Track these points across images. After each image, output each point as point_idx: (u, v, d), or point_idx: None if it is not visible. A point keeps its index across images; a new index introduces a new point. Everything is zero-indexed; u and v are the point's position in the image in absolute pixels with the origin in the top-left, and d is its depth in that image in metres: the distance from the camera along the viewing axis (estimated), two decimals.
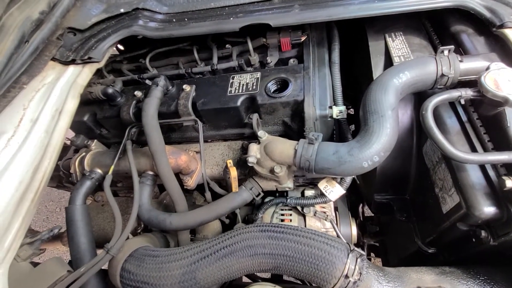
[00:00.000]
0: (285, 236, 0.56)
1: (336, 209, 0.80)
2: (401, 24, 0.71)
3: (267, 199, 0.76)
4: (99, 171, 0.74)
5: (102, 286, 0.62)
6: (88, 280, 0.58)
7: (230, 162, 0.67)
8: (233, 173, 0.64)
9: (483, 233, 0.47)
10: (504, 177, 0.43)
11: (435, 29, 0.69)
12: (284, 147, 0.59)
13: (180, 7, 0.77)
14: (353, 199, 1.14)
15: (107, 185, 0.68)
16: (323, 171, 0.55)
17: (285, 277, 0.99)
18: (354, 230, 0.77)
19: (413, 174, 0.68)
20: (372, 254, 1.41)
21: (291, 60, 0.76)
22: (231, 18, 0.71)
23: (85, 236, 0.66)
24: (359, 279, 0.52)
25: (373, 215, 1.16)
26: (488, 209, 0.45)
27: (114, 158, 0.72)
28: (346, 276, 0.51)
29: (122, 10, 0.77)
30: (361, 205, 1.20)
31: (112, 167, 0.71)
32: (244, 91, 0.73)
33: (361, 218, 1.24)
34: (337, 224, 0.76)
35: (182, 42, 0.88)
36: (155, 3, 0.79)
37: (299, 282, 0.93)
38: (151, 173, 0.74)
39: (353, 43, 0.83)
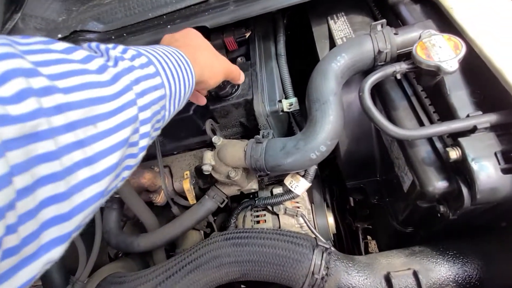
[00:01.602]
0: (249, 241, 0.54)
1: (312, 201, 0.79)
2: (343, 4, 0.69)
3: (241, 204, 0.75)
4: None
5: None
6: None
7: (187, 174, 0.66)
8: (185, 185, 0.62)
9: (442, 208, 0.46)
10: (448, 149, 0.41)
11: (377, 4, 0.66)
12: (234, 150, 0.57)
13: (119, 23, 0.75)
14: (342, 186, 1.12)
15: None
16: (274, 169, 0.53)
17: None
18: (331, 220, 0.75)
19: (377, 155, 0.67)
20: (369, 237, 1.41)
21: (239, 59, 0.74)
22: (169, 26, 0.69)
23: (57, 272, 0.65)
24: (326, 274, 0.50)
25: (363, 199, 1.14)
26: (439, 184, 0.43)
27: None
28: (313, 273, 0.50)
29: (60, 36, 0.75)
30: None
31: None
32: None
33: (352, 204, 1.23)
34: (313, 216, 0.74)
35: None
36: (93, 23, 0.76)
37: None
38: (116, 196, 0.72)
39: (302, 33, 0.81)
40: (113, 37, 0.73)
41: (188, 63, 0.42)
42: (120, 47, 0.34)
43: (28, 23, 0.81)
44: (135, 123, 0.30)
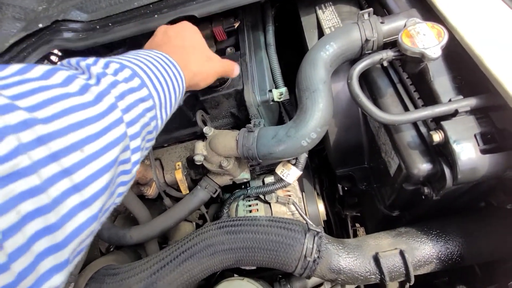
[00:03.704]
0: (242, 229, 0.55)
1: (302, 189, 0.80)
2: None
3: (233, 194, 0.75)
4: None
5: None
6: None
7: (178, 165, 0.66)
8: (178, 175, 0.62)
9: (426, 190, 0.48)
10: (432, 132, 0.43)
11: None
12: (226, 139, 0.58)
13: (103, 12, 0.72)
14: (332, 176, 1.15)
15: None
16: (266, 157, 0.54)
17: None
18: (321, 207, 0.77)
19: (365, 142, 0.69)
20: (357, 225, 1.45)
21: (228, 49, 0.74)
22: (156, 16, 0.67)
23: None
24: (318, 257, 0.52)
25: (351, 188, 1.18)
26: (423, 166, 0.45)
27: None
28: (305, 257, 0.51)
29: (40, 25, 0.72)
30: None
31: None
32: None
33: (341, 193, 1.26)
34: (304, 204, 0.76)
35: (117, 48, 0.84)
36: (76, 12, 0.74)
37: None
38: None
39: (291, 24, 0.81)
40: (98, 27, 0.71)
41: (177, 69, 0.41)
42: (102, 62, 0.32)
43: (6, 13, 0.77)
44: (125, 141, 0.29)
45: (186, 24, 0.52)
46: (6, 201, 0.19)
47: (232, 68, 0.59)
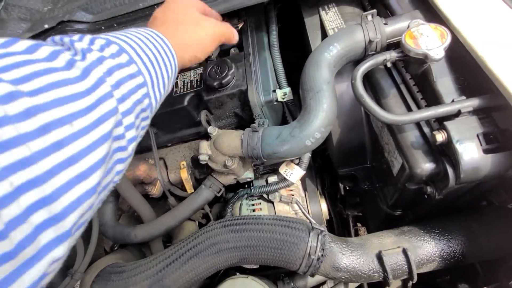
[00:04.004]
0: (247, 227, 0.56)
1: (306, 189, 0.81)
2: None
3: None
4: None
5: None
6: None
7: (183, 164, 0.66)
8: (183, 175, 0.63)
9: (429, 189, 0.48)
10: (435, 132, 0.43)
11: None
12: (231, 139, 0.58)
13: (108, 13, 0.73)
14: (333, 176, 1.15)
15: None
16: (270, 156, 0.55)
17: None
18: (324, 207, 0.78)
19: (368, 142, 0.69)
20: (359, 224, 1.46)
21: (232, 50, 0.74)
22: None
23: None
24: (322, 255, 0.53)
25: (353, 187, 1.18)
26: (426, 166, 0.46)
27: None
28: (309, 255, 0.52)
29: (46, 26, 0.72)
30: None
31: None
32: (189, 89, 0.71)
33: (342, 192, 1.27)
34: (307, 203, 0.77)
35: None
36: (81, 13, 0.75)
37: None
38: (112, 188, 0.72)
39: (293, 25, 0.82)
40: (103, 28, 0.72)
41: (167, 45, 0.40)
42: (87, 38, 0.32)
43: (12, 13, 0.78)
44: (116, 115, 0.29)
45: None
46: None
47: (231, 31, 0.55)
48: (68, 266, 0.60)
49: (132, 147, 0.33)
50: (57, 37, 0.31)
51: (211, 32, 0.49)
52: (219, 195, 0.68)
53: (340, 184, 1.26)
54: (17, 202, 0.20)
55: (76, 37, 0.32)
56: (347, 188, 1.27)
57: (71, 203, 0.24)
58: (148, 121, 0.38)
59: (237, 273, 0.76)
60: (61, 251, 0.23)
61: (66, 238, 0.23)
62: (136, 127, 0.33)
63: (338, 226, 1.15)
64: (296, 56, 0.82)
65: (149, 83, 0.35)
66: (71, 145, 0.24)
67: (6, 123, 0.20)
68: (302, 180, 0.79)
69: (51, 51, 0.27)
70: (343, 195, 1.25)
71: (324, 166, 1.06)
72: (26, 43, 0.26)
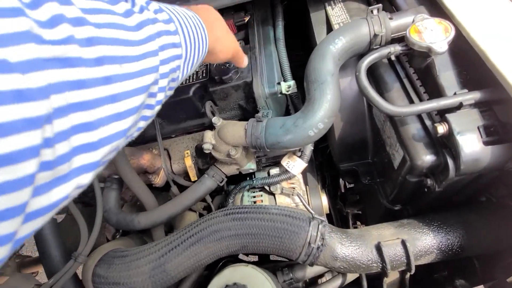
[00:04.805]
0: (248, 216, 0.57)
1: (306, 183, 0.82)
2: None
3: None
4: None
5: None
6: None
7: (187, 153, 0.67)
8: (187, 162, 0.64)
9: (429, 181, 0.49)
10: (436, 124, 0.44)
11: None
12: (235, 129, 0.59)
13: None
14: (334, 173, 1.16)
15: None
16: (273, 146, 0.56)
17: (272, 258, 1.02)
18: (325, 200, 0.79)
19: (370, 137, 0.70)
20: (358, 223, 1.46)
21: (238, 42, 0.75)
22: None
23: (56, 249, 0.66)
24: (322, 244, 0.53)
25: (353, 185, 1.19)
26: (427, 158, 0.47)
27: None
28: (309, 244, 0.53)
29: None
30: (341, 178, 1.23)
31: None
32: (194, 80, 0.72)
33: (342, 190, 1.28)
34: (308, 197, 0.78)
35: None
36: None
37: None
38: (115, 176, 0.73)
39: (298, 21, 0.83)
40: None
41: (204, 30, 0.43)
42: None
43: None
44: (156, 74, 0.31)
45: (207, 5, 0.54)
46: (58, 83, 0.21)
47: (243, 56, 0.60)
48: (71, 250, 0.61)
49: (157, 108, 0.35)
50: None
51: (235, 44, 0.55)
52: (221, 184, 0.69)
53: (340, 182, 1.27)
54: (67, 118, 0.22)
55: None
56: (347, 186, 1.28)
57: (107, 136, 0.25)
58: (171, 92, 0.39)
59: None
60: (86, 179, 0.24)
61: (93, 168, 0.25)
62: (165, 92, 0.35)
63: (338, 224, 1.16)
64: (299, 54, 0.83)
65: (183, 58, 0.37)
66: (117, 84, 0.26)
67: (71, 42, 0.22)
68: (303, 174, 0.80)
69: None
70: (343, 192, 1.26)
71: (324, 164, 1.07)
72: None
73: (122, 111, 0.27)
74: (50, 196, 0.21)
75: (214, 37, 0.46)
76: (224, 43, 0.51)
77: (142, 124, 0.33)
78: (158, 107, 0.35)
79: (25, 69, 0.18)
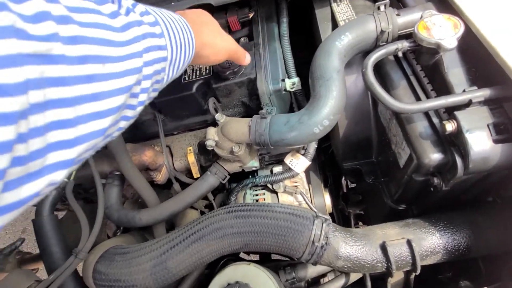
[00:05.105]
0: (251, 213, 0.56)
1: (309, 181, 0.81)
2: None
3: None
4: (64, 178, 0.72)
5: None
6: (63, 286, 0.57)
7: (190, 149, 0.67)
8: (190, 159, 0.63)
9: (436, 180, 0.48)
10: (444, 122, 0.43)
11: None
12: (239, 125, 0.59)
13: None
14: (336, 173, 1.16)
15: (69, 191, 0.66)
16: (278, 143, 0.55)
17: (273, 257, 1.01)
18: (328, 200, 0.78)
19: (374, 136, 0.69)
20: (360, 223, 1.45)
21: (242, 39, 0.74)
22: (172, 3, 0.69)
23: (57, 245, 0.65)
24: (326, 243, 0.53)
25: (355, 185, 1.18)
26: (435, 156, 0.46)
27: None
28: (313, 242, 0.52)
29: None
30: (343, 177, 1.23)
31: (74, 172, 0.70)
32: (198, 76, 0.71)
33: (345, 190, 1.27)
34: (310, 196, 0.77)
35: None
36: None
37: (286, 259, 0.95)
38: (117, 173, 0.73)
39: (306, 16, 0.82)
40: None
41: (191, 34, 0.43)
42: (130, 0, 0.34)
43: None
44: (139, 75, 0.31)
45: (200, 9, 0.55)
46: (39, 79, 0.21)
47: (243, 54, 0.60)
48: (72, 247, 0.61)
49: (139, 109, 0.35)
50: None
51: (227, 46, 0.54)
52: (224, 182, 0.68)
53: (342, 181, 1.26)
54: (44, 114, 0.22)
55: None
56: (350, 186, 1.27)
57: (84, 135, 0.25)
58: (155, 94, 0.40)
59: None
60: (60, 176, 0.24)
61: (68, 166, 0.25)
62: (148, 93, 0.35)
63: (339, 224, 1.15)
64: (302, 51, 0.82)
65: (168, 60, 0.38)
66: (98, 84, 0.26)
67: (55, 40, 0.22)
68: (306, 173, 0.79)
69: None
70: (346, 192, 1.25)
71: (327, 163, 1.06)
72: None
73: (102, 110, 0.27)
74: (20, 192, 0.21)
75: (200, 41, 0.46)
76: (213, 46, 0.51)
77: (123, 124, 0.33)
78: (140, 108, 0.35)
79: (3, 64, 0.18)
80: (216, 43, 0.51)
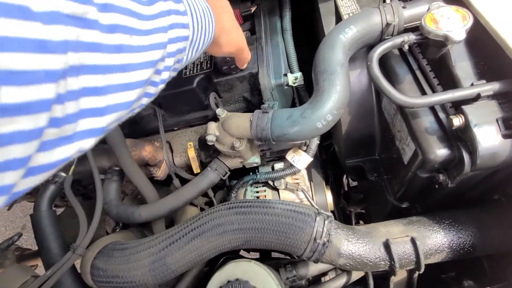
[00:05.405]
0: (252, 210, 0.55)
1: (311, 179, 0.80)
2: None
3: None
4: (62, 174, 0.71)
5: (77, 287, 0.61)
6: (60, 282, 0.56)
7: (190, 145, 0.66)
8: (190, 154, 0.62)
9: (441, 177, 0.47)
10: (451, 116, 0.42)
11: None
12: (240, 120, 0.57)
13: None
14: (337, 171, 1.14)
15: (67, 186, 0.65)
16: (280, 138, 0.54)
17: (273, 255, 1.00)
18: (329, 197, 0.77)
19: (378, 132, 0.68)
20: (361, 222, 1.44)
21: (244, 33, 0.73)
22: None
23: (55, 241, 0.64)
24: (328, 240, 0.52)
25: (357, 184, 1.17)
26: (441, 151, 0.45)
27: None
28: (315, 239, 0.51)
29: None
30: (345, 176, 1.21)
31: (73, 167, 0.69)
32: (199, 71, 0.70)
33: (346, 188, 1.26)
34: (312, 193, 0.76)
35: None
36: None
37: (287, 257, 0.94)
38: (116, 168, 0.72)
39: (308, 11, 0.81)
40: None
41: (211, 16, 0.42)
42: None
43: None
44: (163, 51, 0.31)
45: None
46: (75, 41, 0.21)
47: (246, 56, 0.60)
48: (70, 243, 0.60)
49: (161, 87, 0.35)
50: None
51: (241, 39, 0.54)
52: (224, 178, 0.67)
53: (344, 180, 1.25)
54: (77, 78, 0.22)
55: None
56: (351, 185, 1.25)
57: (113, 104, 0.26)
58: (175, 74, 0.39)
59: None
60: (89, 144, 0.24)
61: (97, 134, 0.25)
62: (170, 71, 0.35)
63: (341, 222, 1.14)
64: (303, 47, 0.81)
65: (189, 40, 0.37)
66: (127, 54, 0.26)
67: (91, 4, 0.22)
68: (308, 170, 0.78)
69: None
70: (347, 191, 1.24)
71: (328, 161, 1.05)
72: None
73: (130, 82, 0.27)
74: (52, 154, 0.21)
75: (220, 27, 0.45)
76: (230, 35, 0.50)
77: (145, 101, 0.33)
78: (161, 86, 0.34)
79: (46, 20, 0.18)
80: (232, 32, 0.51)
